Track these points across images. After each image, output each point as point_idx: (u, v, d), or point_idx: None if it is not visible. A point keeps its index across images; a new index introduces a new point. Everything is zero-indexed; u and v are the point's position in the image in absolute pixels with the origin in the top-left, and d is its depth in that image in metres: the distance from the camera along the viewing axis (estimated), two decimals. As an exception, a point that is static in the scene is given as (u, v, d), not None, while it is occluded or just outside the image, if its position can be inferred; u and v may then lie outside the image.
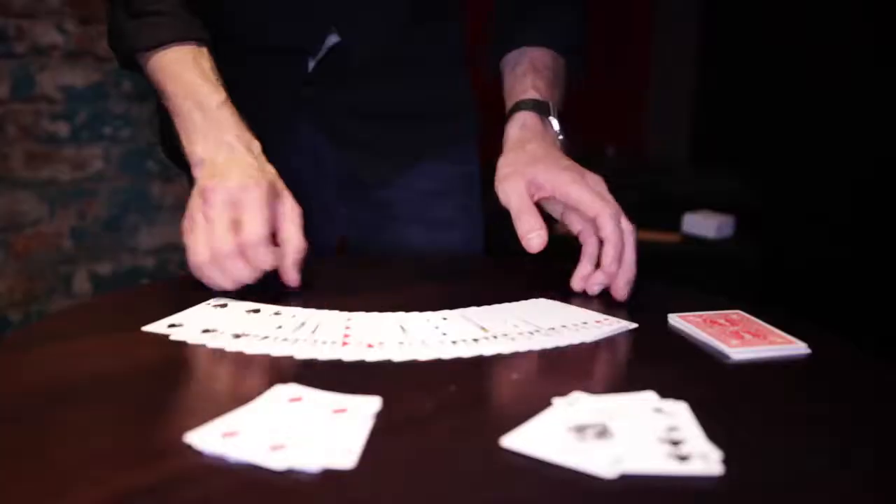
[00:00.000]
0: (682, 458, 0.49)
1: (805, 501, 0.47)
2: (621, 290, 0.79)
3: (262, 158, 0.81)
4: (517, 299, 0.79)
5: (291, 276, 0.78)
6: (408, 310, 0.74)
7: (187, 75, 0.83)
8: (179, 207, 2.34)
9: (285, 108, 1.01)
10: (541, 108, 0.90)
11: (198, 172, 0.80)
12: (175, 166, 1.09)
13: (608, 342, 0.70)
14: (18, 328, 2.14)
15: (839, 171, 2.72)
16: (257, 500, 0.45)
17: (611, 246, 0.79)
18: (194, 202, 0.77)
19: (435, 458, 0.50)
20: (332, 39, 0.97)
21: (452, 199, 1.12)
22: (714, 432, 0.52)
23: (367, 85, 1.02)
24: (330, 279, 0.85)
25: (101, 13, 2.17)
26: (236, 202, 0.75)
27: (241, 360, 0.63)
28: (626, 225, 0.80)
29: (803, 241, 2.52)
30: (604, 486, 0.47)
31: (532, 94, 0.91)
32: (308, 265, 0.79)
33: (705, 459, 0.49)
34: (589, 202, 0.80)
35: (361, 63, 0.99)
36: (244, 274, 0.75)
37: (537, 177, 0.82)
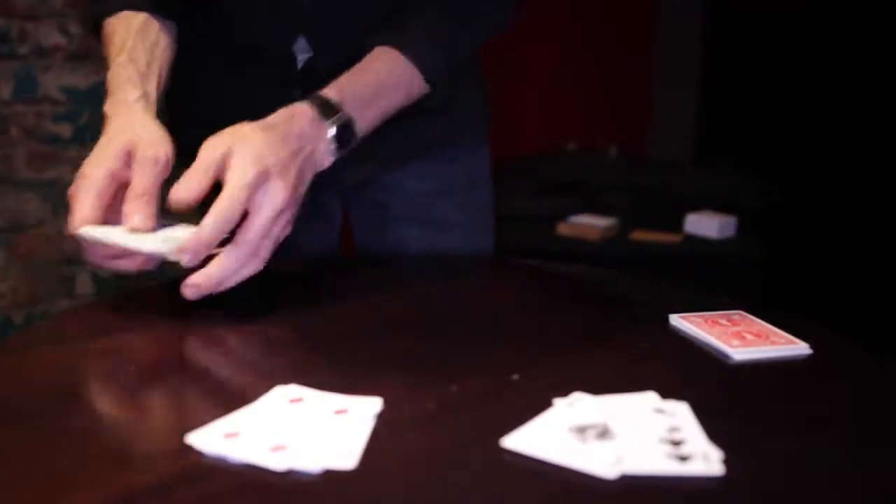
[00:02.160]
0: (683, 459, 0.49)
1: (806, 501, 0.47)
2: None
3: (133, 112, 0.78)
4: (506, 302, 0.79)
5: (133, 222, 0.74)
6: (405, 313, 0.74)
7: (115, 42, 0.84)
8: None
9: (274, 111, 1.01)
10: (325, 108, 0.83)
11: None
12: (178, 165, 1.09)
13: (607, 342, 0.70)
14: (21, 329, 2.15)
15: (841, 172, 2.72)
16: (258, 501, 0.45)
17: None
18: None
19: (436, 458, 0.50)
20: (301, 41, 0.95)
21: (453, 199, 1.11)
22: (715, 433, 0.52)
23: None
24: (329, 281, 0.85)
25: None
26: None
27: (243, 361, 0.63)
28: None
29: (806, 241, 2.52)
30: (605, 487, 0.47)
31: (331, 93, 0.84)
32: (307, 268, 0.80)
33: (706, 460, 0.49)
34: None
35: (328, 66, 0.96)
36: (96, 261, 0.76)
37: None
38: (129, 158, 0.74)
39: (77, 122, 2.18)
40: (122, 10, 0.86)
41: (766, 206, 2.48)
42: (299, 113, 0.80)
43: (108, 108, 0.79)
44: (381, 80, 0.88)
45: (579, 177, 2.54)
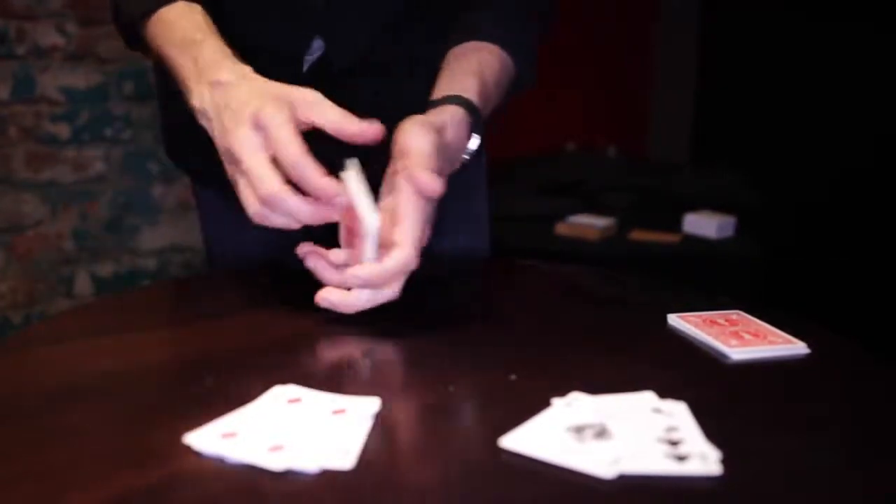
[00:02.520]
0: (681, 459, 0.49)
1: (804, 501, 0.47)
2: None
3: (256, 79, 0.76)
4: (504, 302, 0.79)
5: (371, 130, 0.71)
6: (400, 314, 0.74)
7: (179, 32, 0.80)
8: (181, 209, 2.35)
9: None
10: (475, 117, 0.84)
11: (205, 124, 0.77)
12: (176, 167, 1.09)
13: (605, 342, 0.70)
14: (19, 329, 2.15)
15: (840, 171, 2.72)
16: (256, 501, 0.45)
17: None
18: (229, 167, 0.73)
19: (434, 458, 0.50)
20: (318, 43, 0.97)
21: (453, 203, 1.11)
22: (713, 432, 0.52)
23: (363, 85, 1.02)
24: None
25: (102, 15, 2.18)
26: (263, 141, 0.69)
27: (242, 361, 0.63)
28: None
29: (804, 241, 2.52)
30: (602, 487, 0.47)
31: (476, 101, 0.84)
32: (306, 268, 0.79)
33: (704, 459, 0.49)
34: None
35: (344, 67, 0.98)
36: (302, 210, 0.68)
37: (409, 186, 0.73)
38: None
39: (75, 122, 2.18)
40: (158, 7, 0.83)
41: (765, 206, 2.48)
42: (459, 120, 0.81)
43: (224, 75, 0.76)
44: (497, 82, 0.88)
45: (578, 177, 2.54)
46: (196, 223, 1.12)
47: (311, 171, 0.68)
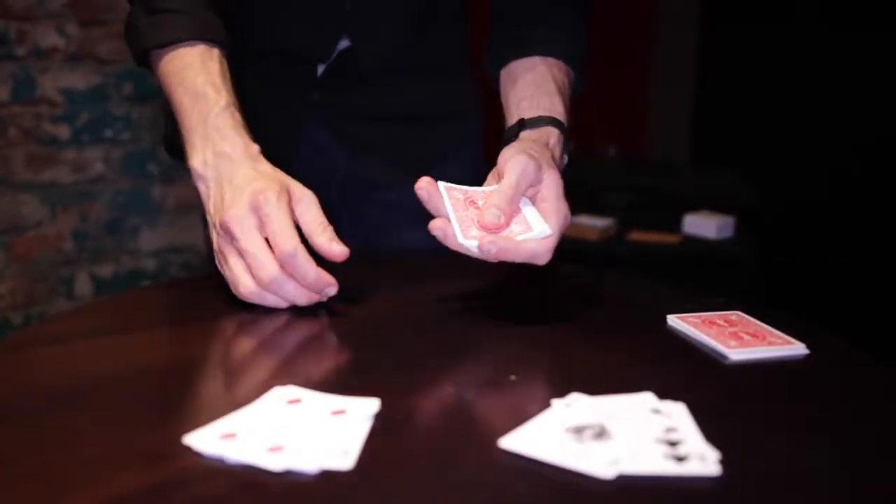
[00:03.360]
0: (680, 459, 0.49)
1: (803, 502, 0.47)
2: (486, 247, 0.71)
3: (262, 161, 0.78)
4: (503, 303, 0.78)
5: (335, 250, 0.73)
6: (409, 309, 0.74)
7: (193, 80, 0.80)
8: (180, 209, 2.35)
9: (294, 112, 1.02)
10: (566, 136, 0.88)
11: (200, 186, 0.78)
12: (177, 164, 1.10)
13: (605, 343, 0.70)
14: (19, 330, 2.15)
15: (839, 172, 2.72)
16: (256, 502, 0.45)
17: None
18: (219, 239, 0.74)
19: (433, 459, 0.50)
20: (343, 44, 0.97)
21: None
22: (712, 433, 0.52)
23: (375, 88, 1.02)
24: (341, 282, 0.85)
25: (102, 16, 2.18)
26: (259, 223, 0.72)
27: (241, 362, 0.63)
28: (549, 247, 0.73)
29: (803, 241, 2.52)
30: (602, 487, 0.47)
31: (564, 120, 0.88)
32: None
33: (703, 460, 0.49)
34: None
35: (371, 68, 0.99)
36: (298, 295, 0.72)
37: (545, 181, 0.76)
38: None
39: (75, 123, 2.18)
40: (178, 41, 0.82)
41: (764, 206, 2.48)
42: (557, 141, 0.85)
43: (230, 148, 0.77)
44: (569, 98, 0.93)
45: (578, 177, 2.54)
46: (195, 224, 1.12)
47: (306, 265, 0.71)
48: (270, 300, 0.73)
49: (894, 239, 2.48)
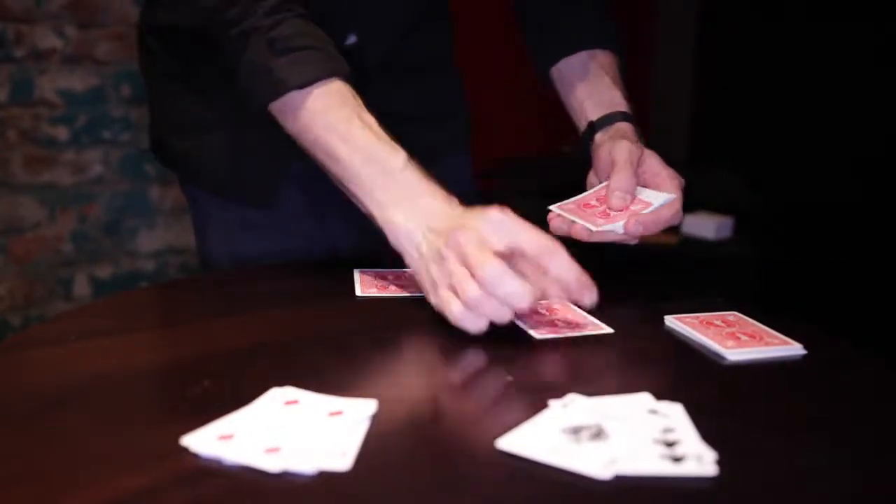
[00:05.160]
0: (677, 460, 0.49)
1: (800, 502, 0.47)
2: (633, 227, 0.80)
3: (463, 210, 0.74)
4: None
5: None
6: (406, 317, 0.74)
7: (357, 133, 0.77)
8: (178, 211, 2.35)
9: None
10: (636, 124, 0.93)
11: (402, 242, 0.74)
12: (171, 171, 1.10)
13: (602, 343, 0.70)
14: (18, 332, 2.15)
15: (838, 172, 2.72)
16: (253, 503, 0.45)
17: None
18: (447, 260, 0.68)
19: (430, 460, 0.50)
20: (349, 41, 0.97)
21: None
22: (709, 433, 0.52)
23: (372, 86, 1.02)
24: (323, 281, 0.85)
25: (100, 17, 2.18)
26: (494, 238, 0.67)
27: (239, 363, 0.63)
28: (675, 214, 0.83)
29: (802, 242, 2.52)
30: (599, 488, 0.47)
31: (626, 110, 0.93)
32: (302, 269, 0.80)
33: (700, 461, 0.49)
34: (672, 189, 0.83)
35: (374, 65, 0.99)
36: (524, 297, 0.65)
37: (647, 158, 0.85)
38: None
39: (73, 124, 2.18)
40: (319, 80, 0.78)
41: (763, 207, 2.48)
42: (631, 131, 0.90)
43: (432, 201, 0.74)
44: (623, 85, 0.97)
45: (576, 178, 2.54)
46: (194, 225, 1.12)
47: (570, 263, 0.68)
48: (489, 314, 0.65)
49: (893, 239, 2.48)
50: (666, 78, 3.34)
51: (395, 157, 0.76)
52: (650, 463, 0.49)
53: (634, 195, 0.82)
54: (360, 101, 0.80)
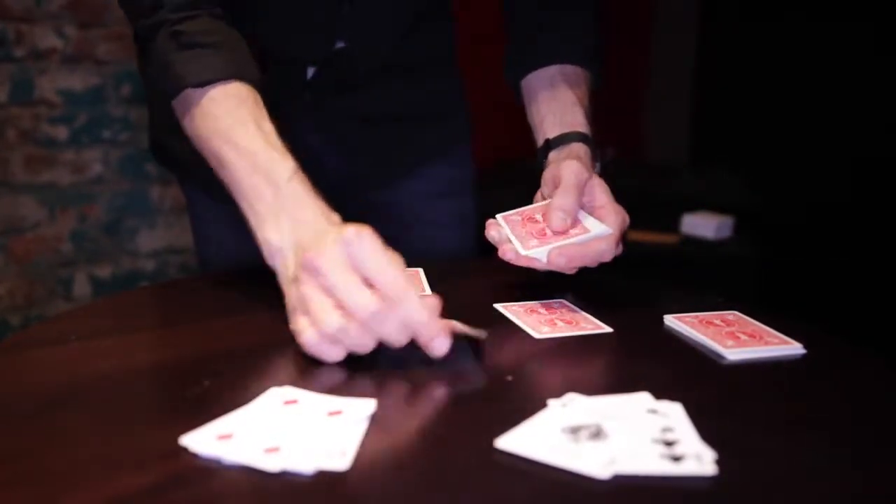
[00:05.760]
0: (676, 459, 0.49)
1: (799, 502, 0.47)
2: (555, 260, 0.75)
3: (345, 226, 0.67)
4: (499, 302, 0.79)
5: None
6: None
7: (249, 142, 0.72)
8: (179, 211, 2.35)
9: (284, 114, 1.02)
10: (592, 146, 0.90)
11: (276, 262, 0.69)
12: (169, 172, 1.10)
13: (602, 342, 0.70)
14: (18, 332, 2.14)
15: (838, 172, 2.72)
16: (252, 503, 0.45)
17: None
18: (303, 284, 0.63)
19: (429, 460, 0.50)
20: (338, 45, 0.97)
21: (450, 201, 1.12)
22: (708, 433, 0.52)
23: (365, 89, 1.02)
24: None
25: (100, 17, 2.18)
26: (349, 259, 0.61)
27: (238, 362, 0.63)
28: (613, 248, 0.77)
29: (802, 242, 2.52)
30: (598, 487, 0.47)
31: (587, 132, 0.90)
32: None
33: (699, 460, 0.49)
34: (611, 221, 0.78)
35: (364, 69, 0.99)
36: (395, 334, 0.61)
37: (595, 187, 0.80)
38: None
39: (73, 124, 2.18)
40: (217, 80, 0.75)
41: (763, 206, 2.48)
42: (585, 154, 0.87)
43: (312, 218, 0.69)
44: (589, 102, 0.95)
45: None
46: (194, 225, 1.12)
47: (418, 302, 0.61)
48: (348, 344, 0.61)
49: (893, 239, 2.48)
50: (666, 77, 3.34)
51: (282, 167, 0.71)
52: (649, 462, 0.49)
53: (576, 217, 0.77)
54: (261, 107, 0.76)
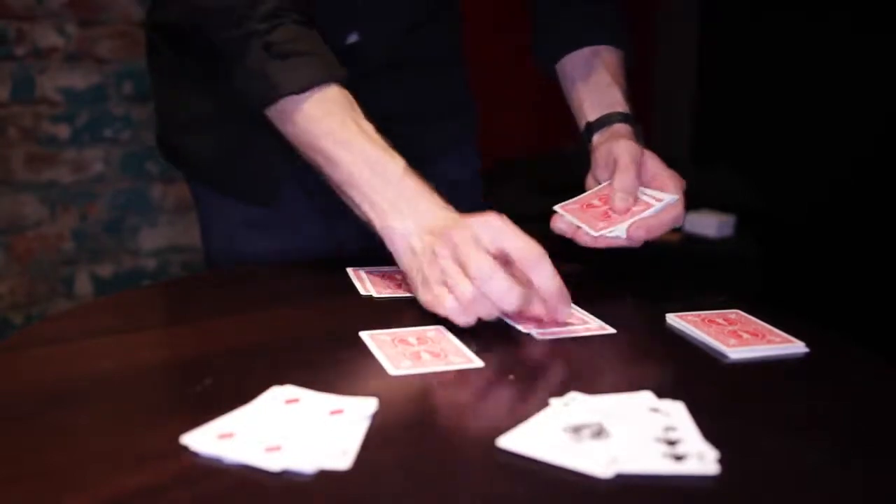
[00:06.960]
0: (679, 458, 0.49)
1: (802, 501, 0.47)
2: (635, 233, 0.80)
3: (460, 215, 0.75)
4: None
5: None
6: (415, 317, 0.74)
7: (355, 138, 0.78)
8: (180, 209, 2.35)
9: None
10: (635, 124, 0.93)
11: (400, 245, 0.75)
12: (173, 167, 1.10)
13: (603, 341, 0.70)
14: (19, 330, 2.15)
15: (839, 171, 2.72)
16: (253, 502, 0.45)
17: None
18: (440, 258, 0.69)
19: (431, 459, 0.50)
20: (350, 39, 0.97)
21: (457, 198, 1.12)
22: (711, 432, 0.52)
23: (373, 87, 1.02)
24: (325, 279, 0.85)
25: (101, 15, 2.18)
26: (485, 241, 0.68)
27: (239, 361, 0.63)
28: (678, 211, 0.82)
29: (804, 240, 2.52)
30: (600, 486, 0.47)
31: (624, 110, 0.93)
32: (303, 267, 0.80)
33: (701, 459, 0.49)
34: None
35: (376, 64, 0.99)
36: (513, 298, 0.66)
37: (647, 160, 0.85)
38: None
39: (74, 122, 2.18)
40: (315, 86, 0.79)
41: (765, 205, 2.48)
42: (628, 133, 0.91)
43: (428, 208, 0.75)
44: (625, 81, 0.97)
45: (576, 177, 2.54)
46: (195, 223, 1.12)
47: (552, 270, 0.69)
48: (480, 310, 0.67)
49: (893, 239, 2.48)
50: (668, 76, 3.33)
51: (394, 165, 0.77)
52: (651, 461, 0.48)
53: (637, 196, 0.82)
54: (356, 108, 0.81)
